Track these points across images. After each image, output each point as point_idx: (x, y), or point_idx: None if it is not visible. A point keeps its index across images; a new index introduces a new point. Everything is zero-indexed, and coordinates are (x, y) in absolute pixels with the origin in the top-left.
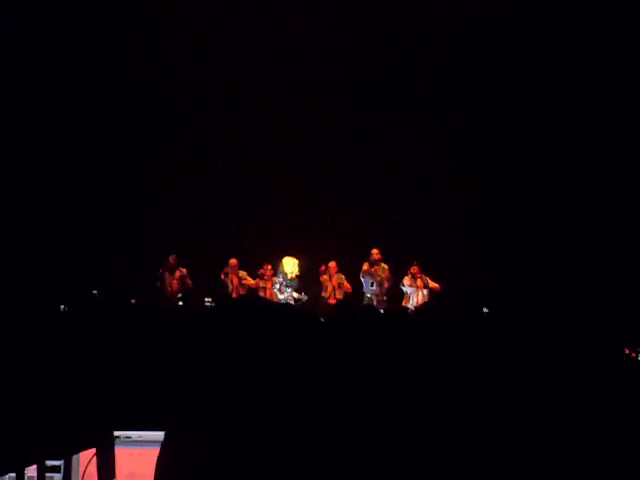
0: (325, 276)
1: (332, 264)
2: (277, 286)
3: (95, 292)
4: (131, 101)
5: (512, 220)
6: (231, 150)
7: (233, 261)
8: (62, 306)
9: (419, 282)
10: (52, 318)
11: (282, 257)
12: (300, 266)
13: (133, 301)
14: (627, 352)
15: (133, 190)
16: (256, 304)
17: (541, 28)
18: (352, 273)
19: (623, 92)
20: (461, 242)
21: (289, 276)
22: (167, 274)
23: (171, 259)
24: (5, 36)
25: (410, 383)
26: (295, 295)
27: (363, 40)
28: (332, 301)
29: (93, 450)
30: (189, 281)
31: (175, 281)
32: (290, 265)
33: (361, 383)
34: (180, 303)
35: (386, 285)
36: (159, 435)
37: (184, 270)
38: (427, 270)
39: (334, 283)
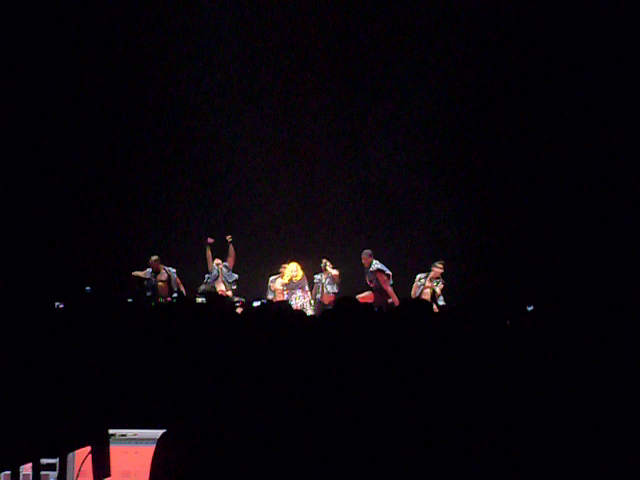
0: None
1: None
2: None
3: (88, 289)
4: (129, 105)
5: (510, 220)
6: (229, 153)
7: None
8: (57, 303)
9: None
10: (47, 315)
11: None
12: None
13: (129, 300)
14: None
15: (131, 187)
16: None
17: (542, 27)
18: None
19: (624, 90)
20: (460, 243)
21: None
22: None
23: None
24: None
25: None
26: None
27: (360, 42)
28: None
29: (88, 448)
30: (178, 281)
31: (161, 283)
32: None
33: (352, 384)
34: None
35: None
36: (154, 433)
37: (170, 271)
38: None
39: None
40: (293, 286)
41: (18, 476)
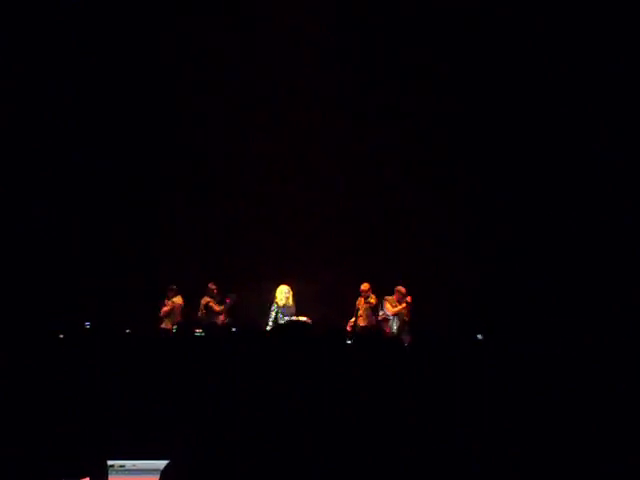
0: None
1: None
2: (273, 315)
3: (87, 324)
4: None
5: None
6: (215, 185)
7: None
8: (60, 336)
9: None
10: (46, 347)
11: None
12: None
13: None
14: None
15: (125, 219)
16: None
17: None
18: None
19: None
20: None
21: (280, 303)
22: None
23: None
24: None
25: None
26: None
27: (358, 52)
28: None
29: (87, 479)
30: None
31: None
32: (281, 292)
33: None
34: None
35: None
36: (153, 464)
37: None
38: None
39: None
40: (286, 312)
41: None
